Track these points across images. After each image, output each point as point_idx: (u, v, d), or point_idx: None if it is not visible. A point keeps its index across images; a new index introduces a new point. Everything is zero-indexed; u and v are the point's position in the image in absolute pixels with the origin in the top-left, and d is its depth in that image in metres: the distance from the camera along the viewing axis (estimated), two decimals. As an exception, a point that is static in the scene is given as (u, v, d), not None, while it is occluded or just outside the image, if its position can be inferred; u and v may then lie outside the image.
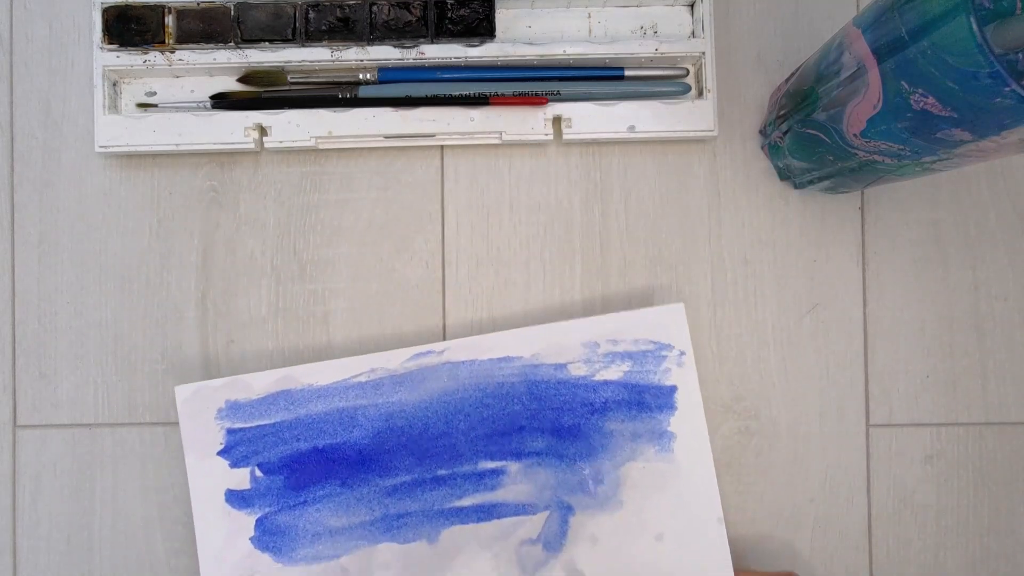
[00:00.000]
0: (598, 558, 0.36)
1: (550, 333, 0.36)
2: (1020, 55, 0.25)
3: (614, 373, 0.36)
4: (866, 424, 0.39)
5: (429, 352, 0.36)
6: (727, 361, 0.39)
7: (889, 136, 0.29)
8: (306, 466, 0.36)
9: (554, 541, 0.36)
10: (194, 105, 0.38)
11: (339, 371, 0.36)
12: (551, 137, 0.38)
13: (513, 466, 0.36)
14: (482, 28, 0.37)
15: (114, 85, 0.39)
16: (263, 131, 0.38)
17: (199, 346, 0.39)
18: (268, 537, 0.36)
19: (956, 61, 0.23)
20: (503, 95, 0.37)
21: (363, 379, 0.36)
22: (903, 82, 0.26)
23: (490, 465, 0.36)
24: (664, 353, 0.36)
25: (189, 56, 0.38)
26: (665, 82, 0.38)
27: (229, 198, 0.39)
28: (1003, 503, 0.39)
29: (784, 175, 0.39)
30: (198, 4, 0.38)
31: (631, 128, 0.38)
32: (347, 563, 0.35)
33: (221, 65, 0.38)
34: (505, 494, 0.36)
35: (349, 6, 0.37)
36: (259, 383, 0.36)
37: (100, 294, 0.39)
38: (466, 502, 0.36)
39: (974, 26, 0.22)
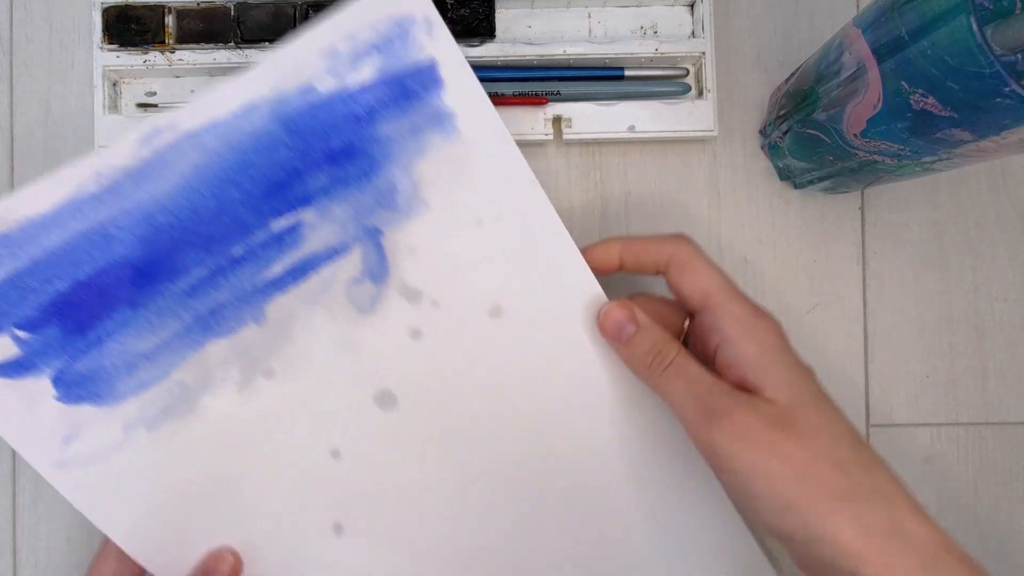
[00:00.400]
0: (424, 267, 0.33)
1: (282, 56, 0.32)
2: (1020, 55, 0.25)
3: (366, 73, 0.32)
4: (866, 424, 0.39)
5: (157, 131, 0.31)
6: (727, 361, 0.39)
7: (889, 136, 0.29)
8: (77, 304, 0.31)
9: (378, 270, 0.33)
10: (194, 105, 0.38)
11: (57, 188, 0.31)
12: (551, 137, 0.38)
13: (306, 214, 0.32)
14: (482, 28, 0.37)
15: (114, 85, 0.39)
16: (263, 131, 0.38)
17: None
18: (75, 389, 0.31)
19: (956, 61, 0.23)
20: (503, 95, 0.37)
21: (93, 189, 0.31)
22: (903, 82, 0.26)
23: (282, 223, 0.32)
24: (408, 28, 0.32)
25: (189, 56, 0.38)
26: (665, 82, 0.38)
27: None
28: (1003, 503, 0.39)
29: (784, 175, 0.39)
30: (198, 4, 0.38)
31: (631, 128, 0.38)
32: (181, 376, 0.32)
33: (221, 65, 0.38)
34: (310, 245, 0.32)
35: (349, 6, 0.37)
36: None
37: (100, 294, 0.39)
38: (276, 270, 0.32)
39: (974, 26, 0.22)
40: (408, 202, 0.33)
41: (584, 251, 0.33)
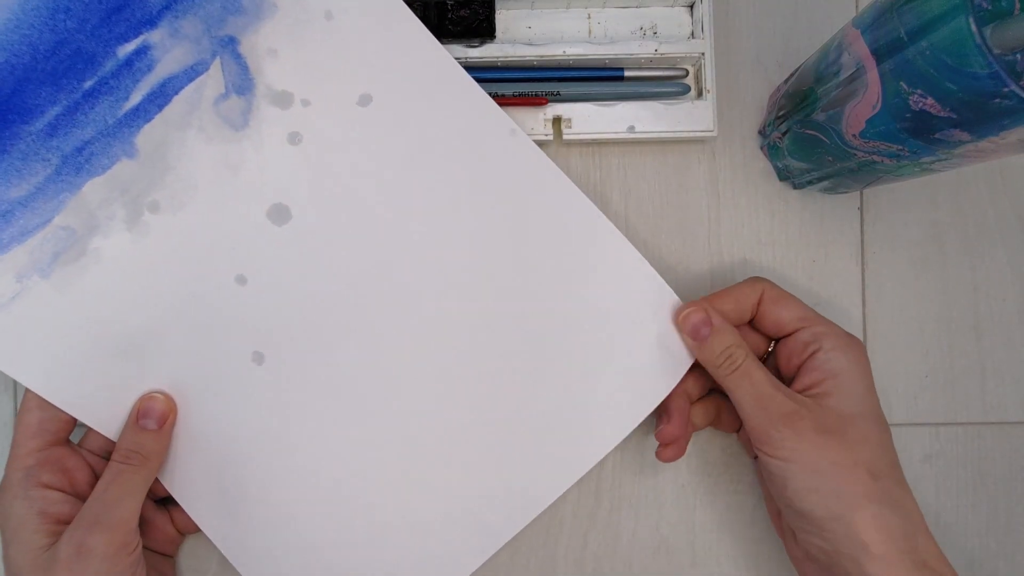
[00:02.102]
0: (287, 67, 0.33)
1: None
2: (1019, 56, 0.25)
3: None
4: (865, 424, 0.39)
5: None
6: (727, 361, 0.39)
7: (888, 137, 0.29)
8: None
9: (241, 81, 0.32)
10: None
11: None
12: (551, 137, 0.38)
13: (152, 35, 0.31)
14: (482, 29, 0.37)
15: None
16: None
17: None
18: None
19: (955, 62, 0.23)
20: (503, 95, 0.37)
21: None
22: (902, 83, 0.26)
23: (130, 47, 0.31)
24: None
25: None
26: (665, 83, 0.38)
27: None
28: (1002, 503, 0.39)
29: (783, 175, 0.39)
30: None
31: (631, 128, 0.38)
32: (64, 220, 0.32)
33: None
34: (166, 67, 0.32)
35: (349, 6, 0.37)
36: None
37: (101, 294, 0.39)
38: (136, 99, 0.32)
39: (973, 27, 0.22)
40: (256, 4, 0.32)
41: (683, 328, 0.34)
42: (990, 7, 0.24)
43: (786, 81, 0.37)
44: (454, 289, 0.34)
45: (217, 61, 0.32)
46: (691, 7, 0.39)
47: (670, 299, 0.35)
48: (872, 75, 0.27)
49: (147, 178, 0.32)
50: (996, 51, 0.22)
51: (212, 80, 0.32)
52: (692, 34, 0.39)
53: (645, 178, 0.40)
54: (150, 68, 0.32)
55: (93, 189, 0.32)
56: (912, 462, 0.39)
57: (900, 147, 0.29)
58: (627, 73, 0.39)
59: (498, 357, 0.34)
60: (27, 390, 0.32)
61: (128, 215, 0.32)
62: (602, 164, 0.39)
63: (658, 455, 0.34)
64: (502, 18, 0.39)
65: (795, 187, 0.39)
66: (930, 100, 0.25)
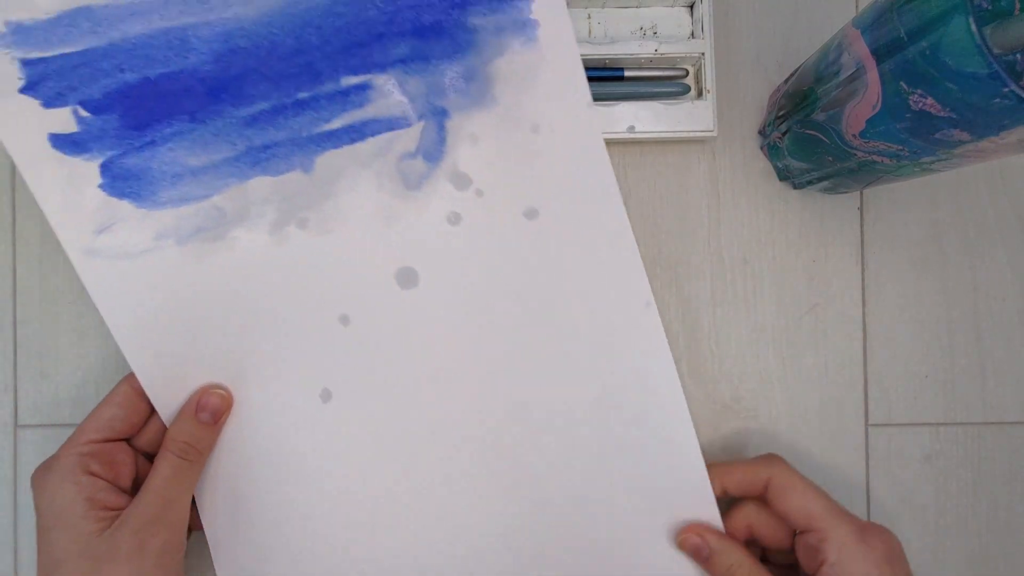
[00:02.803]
0: (479, 156, 0.34)
1: None
2: (1019, 56, 0.25)
3: None
4: (865, 424, 0.39)
5: None
6: (727, 361, 0.39)
7: (888, 137, 0.29)
8: (142, 101, 0.31)
9: (433, 150, 0.33)
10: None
11: None
12: (551, 137, 0.38)
13: (379, 78, 0.33)
14: (482, 29, 0.37)
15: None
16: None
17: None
18: (120, 183, 0.32)
19: (955, 62, 0.23)
20: (503, 96, 0.37)
21: None
22: (902, 83, 0.26)
23: (354, 80, 0.33)
24: None
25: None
26: (665, 83, 0.38)
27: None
28: (1002, 503, 0.39)
29: (783, 175, 0.39)
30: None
31: (631, 128, 0.38)
32: (220, 202, 0.33)
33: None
34: (375, 109, 0.33)
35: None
36: None
37: (101, 294, 0.39)
38: (335, 124, 0.33)
39: (973, 27, 0.22)
40: (480, 93, 0.33)
41: (683, 548, 0.34)
42: (990, 7, 0.24)
43: (786, 81, 0.37)
44: (539, 396, 0.35)
45: (421, 124, 0.33)
46: (691, 7, 0.39)
47: (708, 501, 0.35)
48: (872, 75, 0.27)
49: (309, 195, 0.33)
50: (996, 51, 0.22)
51: (408, 137, 0.33)
52: (692, 34, 0.39)
53: (645, 178, 0.40)
54: (361, 105, 0.33)
55: (258, 185, 0.33)
56: (912, 462, 0.39)
57: (900, 147, 0.29)
58: (627, 73, 0.39)
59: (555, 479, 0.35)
60: (118, 384, 0.33)
61: (276, 220, 0.33)
62: (602, 164, 0.39)
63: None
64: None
65: (795, 187, 0.39)
66: (930, 100, 0.25)
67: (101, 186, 0.32)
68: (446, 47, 0.33)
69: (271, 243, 0.33)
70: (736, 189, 0.40)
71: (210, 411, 0.33)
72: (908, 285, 0.39)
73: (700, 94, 0.39)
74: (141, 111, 0.32)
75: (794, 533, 0.34)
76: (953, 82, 0.24)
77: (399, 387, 0.34)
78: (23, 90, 0.31)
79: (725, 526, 0.34)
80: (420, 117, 0.33)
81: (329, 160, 0.33)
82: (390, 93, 0.33)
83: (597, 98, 0.38)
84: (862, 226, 0.40)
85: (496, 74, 0.33)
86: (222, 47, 0.32)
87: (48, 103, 0.31)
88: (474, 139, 0.33)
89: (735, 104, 0.40)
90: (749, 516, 0.34)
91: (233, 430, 0.34)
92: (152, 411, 0.34)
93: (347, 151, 0.33)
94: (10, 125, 0.31)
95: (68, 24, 0.30)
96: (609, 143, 0.39)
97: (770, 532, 0.34)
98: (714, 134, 0.38)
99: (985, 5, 0.24)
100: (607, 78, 0.39)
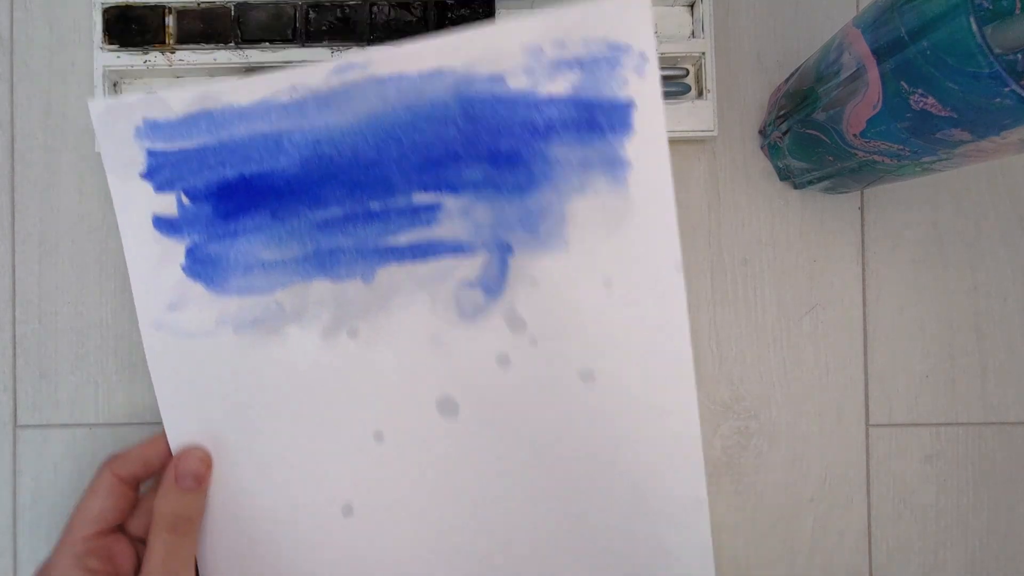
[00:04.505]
0: (539, 303, 0.32)
1: (486, 36, 0.30)
2: (1020, 55, 0.25)
3: (560, 86, 0.30)
4: (866, 424, 0.39)
5: (352, 66, 0.32)
6: (727, 361, 0.39)
7: (889, 136, 0.29)
8: (234, 194, 0.33)
9: (493, 285, 0.32)
10: (194, 105, 0.38)
11: (259, 88, 0.32)
12: (551, 137, 0.38)
13: (449, 200, 0.32)
14: (482, 28, 0.37)
15: (114, 85, 0.39)
16: (263, 131, 0.38)
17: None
18: (199, 266, 0.33)
19: (956, 61, 0.23)
20: (503, 96, 0.37)
21: (285, 99, 0.32)
22: (903, 82, 0.26)
23: (425, 199, 0.32)
24: (620, 57, 0.30)
25: (189, 56, 0.38)
26: (665, 82, 0.38)
27: (229, 198, 0.39)
28: (1003, 503, 0.39)
29: (784, 175, 0.39)
30: (198, 4, 0.38)
31: (631, 128, 0.38)
32: (282, 298, 0.33)
33: (221, 65, 0.38)
34: (441, 231, 0.32)
35: (350, 6, 0.38)
36: (178, 101, 0.33)
37: (100, 294, 0.39)
38: (401, 239, 0.33)
39: (974, 26, 0.22)
40: (549, 233, 0.31)
41: None
42: (991, 7, 0.24)
43: (786, 81, 0.37)
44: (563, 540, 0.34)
45: (485, 255, 0.32)
46: (691, 7, 0.39)
47: None
48: (873, 75, 0.27)
49: (365, 305, 0.33)
50: (997, 51, 0.22)
51: (469, 266, 0.32)
52: (692, 34, 0.39)
53: (645, 178, 0.39)
54: (428, 224, 0.32)
55: (320, 287, 0.33)
56: (912, 462, 0.39)
57: (901, 147, 0.29)
58: (627, 73, 0.38)
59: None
60: (95, 477, 0.33)
61: (330, 324, 0.33)
62: (602, 164, 0.39)
63: None
64: (502, 17, 0.39)
65: (795, 187, 0.39)
66: (931, 100, 0.25)
67: (183, 266, 0.33)
68: (520, 178, 0.31)
69: (322, 347, 0.33)
70: (736, 189, 0.40)
71: (191, 476, 0.32)
72: (909, 285, 0.39)
73: (700, 94, 0.39)
74: (231, 203, 0.33)
75: None
76: (954, 82, 0.24)
77: (423, 512, 0.34)
78: (143, 175, 0.33)
79: None
80: (485, 247, 0.32)
81: (390, 273, 0.33)
82: (459, 217, 0.32)
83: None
84: (863, 226, 0.40)
85: (572, 215, 0.31)
86: (309, 152, 0.33)
87: (159, 188, 0.33)
88: (534, 283, 0.32)
89: (735, 104, 0.40)
90: None
91: (247, 529, 0.34)
92: (138, 496, 0.34)
93: (408, 268, 0.33)
94: (126, 203, 0.33)
95: (191, 124, 0.33)
96: (609, 143, 0.39)
97: None
98: (714, 134, 0.38)
99: (986, 5, 0.24)
100: (607, 78, 0.38)
